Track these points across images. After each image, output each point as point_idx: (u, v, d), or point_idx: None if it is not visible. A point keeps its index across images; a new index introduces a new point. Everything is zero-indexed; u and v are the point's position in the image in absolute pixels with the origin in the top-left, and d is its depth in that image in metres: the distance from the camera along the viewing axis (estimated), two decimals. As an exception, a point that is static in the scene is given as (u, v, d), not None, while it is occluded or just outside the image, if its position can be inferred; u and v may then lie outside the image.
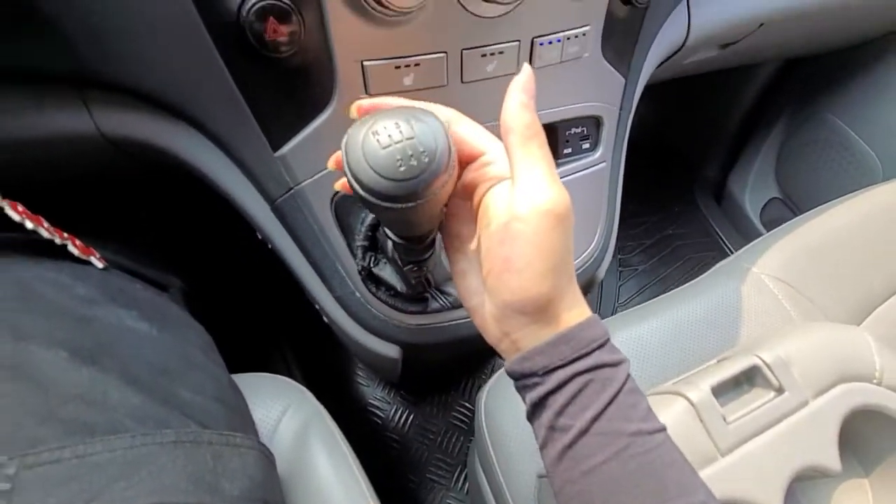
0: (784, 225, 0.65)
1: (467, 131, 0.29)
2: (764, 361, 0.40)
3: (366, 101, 0.28)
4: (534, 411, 0.28)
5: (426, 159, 0.24)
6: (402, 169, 0.24)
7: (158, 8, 0.30)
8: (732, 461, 0.36)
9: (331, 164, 0.30)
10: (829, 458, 0.37)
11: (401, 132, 0.24)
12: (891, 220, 0.64)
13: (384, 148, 0.24)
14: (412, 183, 0.24)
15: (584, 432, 0.26)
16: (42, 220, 0.34)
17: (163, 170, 0.43)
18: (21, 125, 0.35)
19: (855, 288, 0.59)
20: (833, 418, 0.39)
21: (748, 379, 0.41)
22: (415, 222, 0.28)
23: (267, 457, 0.36)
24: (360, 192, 0.25)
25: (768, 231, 0.65)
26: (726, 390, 0.40)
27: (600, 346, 0.27)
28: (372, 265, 0.43)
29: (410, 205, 0.25)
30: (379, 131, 0.24)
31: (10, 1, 0.29)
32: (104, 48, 0.31)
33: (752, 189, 1.18)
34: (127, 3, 0.29)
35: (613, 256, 1.18)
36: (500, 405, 0.47)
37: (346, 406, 0.79)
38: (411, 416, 0.79)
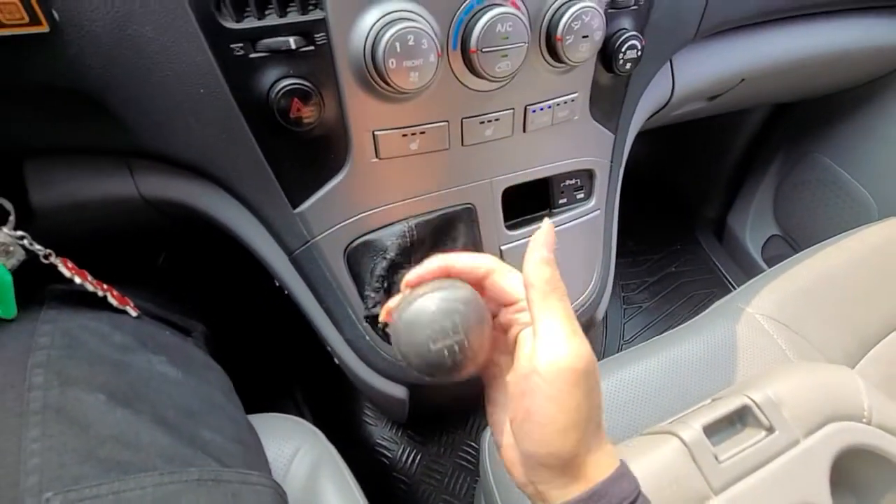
0: (779, 265, 0.68)
1: (509, 283, 0.30)
2: (754, 401, 0.42)
3: (413, 274, 0.31)
4: None
5: (469, 353, 0.28)
6: (448, 363, 0.28)
7: (202, 94, 0.35)
8: (726, 499, 0.37)
9: (383, 316, 0.32)
10: (821, 496, 0.38)
11: (451, 329, 0.28)
12: (882, 261, 0.66)
13: (434, 344, 0.28)
14: (454, 370, 0.29)
15: None
16: (87, 274, 0.38)
17: (189, 224, 0.47)
18: (74, 191, 0.40)
19: (850, 328, 0.61)
20: (824, 457, 0.40)
21: (740, 418, 0.43)
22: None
23: (280, 495, 0.38)
24: (406, 365, 0.29)
25: (770, 267, 0.67)
26: (719, 430, 0.42)
27: (633, 503, 0.27)
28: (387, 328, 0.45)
29: (448, 379, 0.29)
30: (431, 326, 0.28)
31: (84, 98, 0.34)
32: (153, 127, 0.36)
33: (752, 227, 1.21)
34: (175, 90, 0.34)
35: (617, 295, 1.20)
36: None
37: (355, 446, 0.80)
38: (419, 457, 0.80)
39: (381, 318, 0.33)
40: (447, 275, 0.31)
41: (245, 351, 0.85)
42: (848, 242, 0.69)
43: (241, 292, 0.86)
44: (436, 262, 0.31)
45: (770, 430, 0.41)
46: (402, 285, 0.31)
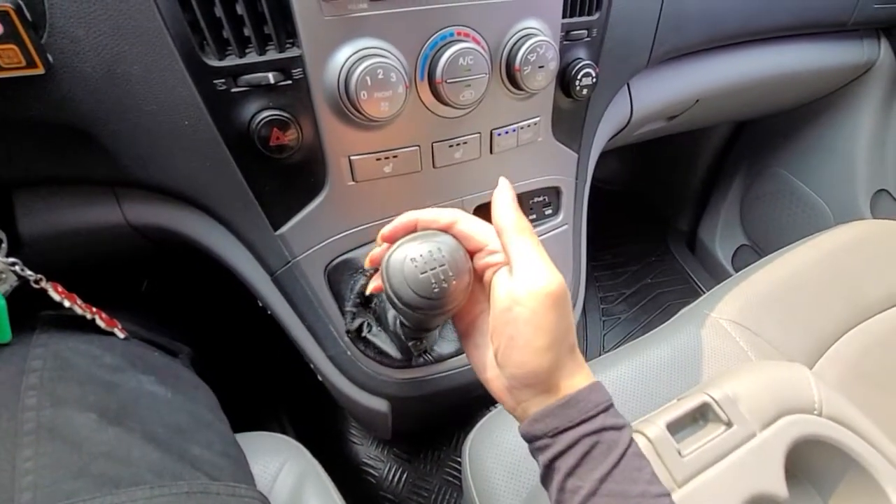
0: (741, 272, 0.72)
1: (472, 227, 0.34)
2: (714, 399, 0.45)
3: (387, 229, 0.35)
4: (546, 473, 0.31)
5: (454, 280, 0.32)
6: (436, 290, 0.31)
7: (186, 125, 0.37)
8: (688, 491, 0.40)
9: (367, 263, 0.37)
10: (777, 485, 0.41)
11: (434, 259, 0.32)
12: (835, 264, 0.71)
13: (422, 273, 0.31)
14: (444, 298, 0.32)
15: (592, 493, 0.28)
16: (76, 297, 0.39)
17: (174, 249, 0.49)
18: (62, 220, 0.42)
19: (808, 329, 0.65)
20: (779, 448, 0.43)
21: (702, 415, 0.46)
22: (437, 320, 0.37)
23: (267, 507, 0.39)
24: (400, 305, 0.33)
25: (737, 275, 0.71)
26: (682, 427, 0.44)
27: (605, 410, 0.30)
28: (366, 332, 0.48)
29: (439, 311, 0.33)
30: (416, 258, 0.32)
31: (74, 132, 0.36)
32: (140, 158, 0.38)
33: (721, 238, 1.27)
34: (161, 123, 0.37)
35: (597, 307, 1.23)
36: (483, 452, 0.50)
37: (341, 465, 0.81)
38: (405, 474, 0.81)
39: (366, 265, 0.37)
40: (415, 227, 0.35)
41: (231, 373, 0.85)
42: (804, 248, 0.74)
43: (226, 315, 0.87)
44: (404, 216, 0.35)
45: (729, 424, 0.44)
46: (378, 239, 0.35)
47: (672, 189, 1.36)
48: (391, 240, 0.35)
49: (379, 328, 0.48)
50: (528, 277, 0.30)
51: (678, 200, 1.34)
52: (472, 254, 0.34)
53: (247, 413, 0.77)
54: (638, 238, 1.36)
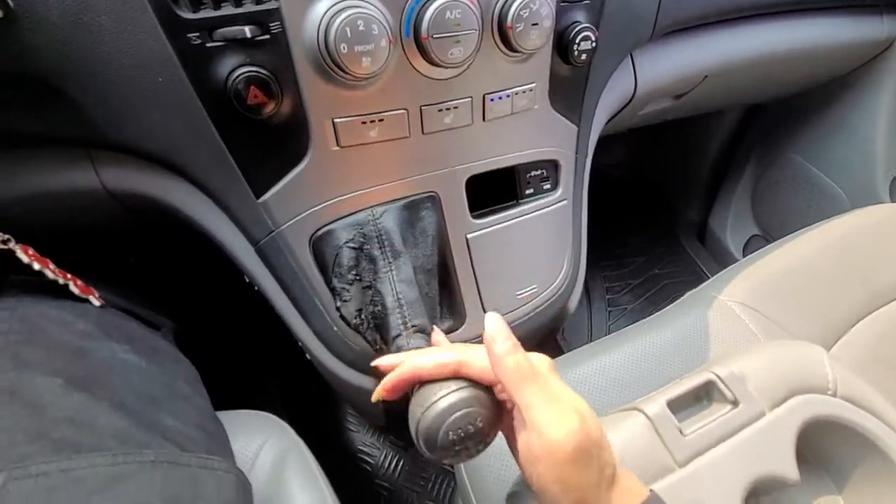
0: (750, 256, 0.69)
1: (477, 368, 0.32)
2: (718, 376, 0.42)
3: (388, 380, 0.34)
4: None
5: (483, 447, 0.32)
6: (462, 455, 0.31)
7: (160, 83, 0.36)
8: (689, 472, 0.37)
9: (375, 397, 0.34)
10: (787, 467, 0.38)
11: (473, 434, 0.31)
12: (849, 249, 0.67)
13: (457, 447, 0.31)
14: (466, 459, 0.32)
15: None
16: (49, 262, 0.38)
17: (158, 219, 0.47)
18: (35, 182, 0.40)
19: (821, 314, 0.61)
20: (789, 429, 0.40)
21: (706, 394, 0.43)
22: None
23: (243, 483, 0.38)
24: (422, 450, 0.32)
25: (748, 263, 0.68)
26: (684, 405, 0.42)
27: None
28: (364, 331, 0.45)
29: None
30: (454, 431, 0.30)
31: (42, 88, 0.35)
32: (112, 117, 0.37)
33: (733, 228, 1.23)
34: (133, 79, 0.35)
35: (602, 297, 1.20)
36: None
37: (336, 452, 0.79)
38: (401, 462, 0.79)
39: (374, 398, 0.34)
40: (419, 380, 0.33)
41: (221, 353, 0.84)
42: (817, 232, 0.70)
43: (221, 298, 0.86)
44: (403, 368, 0.33)
45: (735, 403, 0.41)
46: (377, 392, 0.34)
47: (681, 177, 1.32)
48: (393, 393, 0.33)
49: (377, 333, 0.45)
50: (541, 433, 0.28)
51: (688, 189, 1.31)
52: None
53: (241, 399, 0.76)
54: (646, 228, 1.33)
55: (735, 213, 1.22)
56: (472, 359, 0.32)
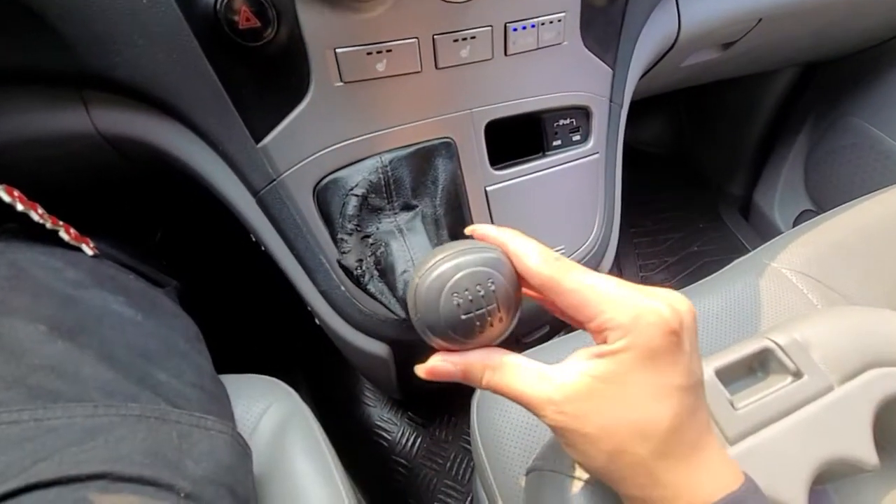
0: (806, 223, 0.61)
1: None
2: (777, 344, 0.37)
3: (482, 229, 0.29)
4: None
5: (502, 324, 0.26)
6: (480, 332, 0.25)
7: (145, 5, 0.32)
8: (743, 450, 0.32)
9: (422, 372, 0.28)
10: (864, 449, 0.32)
11: (482, 297, 0.25)
12: (926, 212, 0.59)
13: (465, 315, 0.25)
14: (484, 337, 0.26)
15: None
16: (37, 206, 0.36)
17: (159, 171, 0.45)
18: (24, 125, 0.38)
19: (891, 284, 0.54)
20: (865, 405, 0.34)
21: (761, 364, 0.37)
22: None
23: (240, 444, 0.35)
24: (428, 336, 0.26)
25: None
26: (736, 376, 0.36)
27: None
28: (366, 282, 0.41)
29: (476, 346, 0.26)
30: (459, 293, 0.25)
31: (21, 10, 0.32)
32: (96, 44, 0.34)
33: (781, 203, 1.13)
34: (116, 1, 0.32)
35: (635, 275, 1.14)
36: (491, 411, 0.44)
37: (353, 428, 0.77)
38: (419, 440, 0.76)
39: (422, 373, 0.28)
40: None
41: (245, 331, 0.83)
42: (883, 196, 0.62)
43: (236, 265, 0.84)
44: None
45: (797, 374, 0.35)
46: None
47: (725, 148, 1.23)
48: (434, 375, 0.27)
49: (381, 281, 0.41)
50: (621, 313, 0.24)
51: (732, 161, 1.21)
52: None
53: (260, 372, 0.74)
54: (683, 203, 1.24)
55: (785, 185, 1.12)
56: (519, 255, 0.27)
